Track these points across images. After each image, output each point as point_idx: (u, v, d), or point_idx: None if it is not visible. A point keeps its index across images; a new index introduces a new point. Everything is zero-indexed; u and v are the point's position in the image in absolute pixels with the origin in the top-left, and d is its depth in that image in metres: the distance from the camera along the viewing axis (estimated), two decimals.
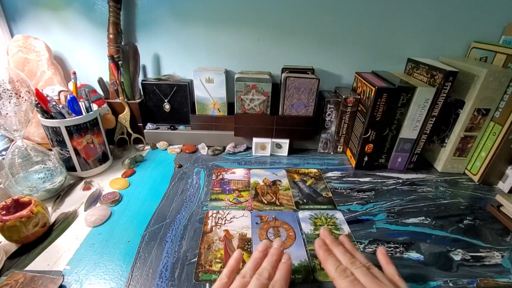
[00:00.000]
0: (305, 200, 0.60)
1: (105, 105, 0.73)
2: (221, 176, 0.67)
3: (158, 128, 0.80)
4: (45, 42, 0.73)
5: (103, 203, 0.57)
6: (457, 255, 0.47)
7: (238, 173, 0.68)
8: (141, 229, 0.51)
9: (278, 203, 0.59)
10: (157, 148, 0.79)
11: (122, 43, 0.74)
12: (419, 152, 0.70)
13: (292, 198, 0.60)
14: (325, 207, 0.58)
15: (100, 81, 0.75)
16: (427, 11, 0.72)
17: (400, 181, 0.68)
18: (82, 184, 0.62)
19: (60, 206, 0.56)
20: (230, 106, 0.78)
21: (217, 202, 0.58)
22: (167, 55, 0.79)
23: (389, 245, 0.49)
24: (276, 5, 0.72)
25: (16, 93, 0.52)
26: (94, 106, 0.66)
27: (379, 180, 0.68)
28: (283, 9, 0.73)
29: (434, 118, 0.65)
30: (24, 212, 0.45)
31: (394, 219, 0.55)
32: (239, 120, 0.75)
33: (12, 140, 0.56)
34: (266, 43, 0.77)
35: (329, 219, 0.54)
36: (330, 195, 0.62)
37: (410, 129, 0.67)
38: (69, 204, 0.57)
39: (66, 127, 0.59)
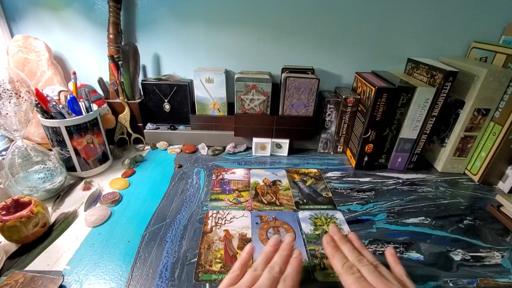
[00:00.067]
0: (305, 200, 0.60)
1: (105, 105, 0.73)
2: (221, 176, 0.67)
3: (158, 128, 0.80)
4: (45, 42, 0.73)
5: (103, 203, 0.57)
6: (457, 255, 0.47)
7: (238, 173, 0.68)
8: (141, 229, 0.51)
9: (278, 203, 0.59)
10: (157, 148, 0.79)
11: (122, 43, 0.74)
12: (419, 152, 0.70)
13: (292, 198, 0.60)
14: (325, 207, 0.58)
15: (100, 81, 0.75)
16: (427, 11, 0.72)
17: (400, 181, 0.68)
18: (82, 184, 0.62)
19: (60, 206, 0.56)
20: (230, 106, 0.78)
21: (217, 202, 0.58)
22: (167, 55, 0.79)
23: (389, 245, 0.49)
24: (276, 5, 0.72)
25: (16, 93, 0.52)
26: (94, 106, 0.66)
27: (379, 180, 0.68)
28: (283, 9, 0.73)
29: (434, 118, 0.65)
30: (24, 212, 0.45)
31: (394, 219, 0.55)
32: (239, 120, 0.75)
33: (12, 140, 0.56)
34: (266, 43, 0.77)
35: (329, 219, 0.54)
36: (330, 195, 0.62)
37: (410, 129, 0.67)
38: (69, 204, 0.57)
39: (66, 127, 0.59)
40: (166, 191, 0.61)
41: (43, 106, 0.58)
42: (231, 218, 0.54)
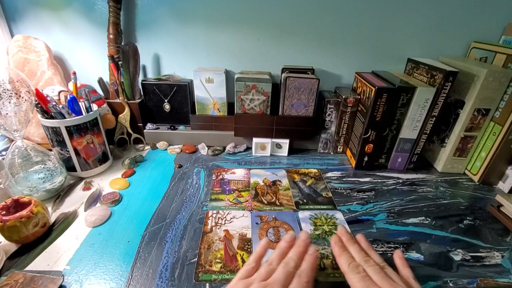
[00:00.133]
0: (305, 200, 0.60)
1: (105, 105, 0.73)
2: (221, 176, 0.67)
3: (158, 128, 0.80)
4: (45, 42, 0.73)
5: (103, 203, 0.57)
6: (457, 255, 0.47)
7: (238, 173, 0.68)
8: (141, 229, 0.51)
9: (278, 203, 0.58)
10: (157, 148, 0.79)
11: (122, 43, 0.74)
12: (419, 152, 0.70)
13: (292, 198, 0.60)
14: (325, 207, 0.58)
15: (100, 81, 0.75)
16: (427, 11, 0.72)
17: (400, 181, 0.68)
18: (82, 184, 0.62)
19: (60, 206, 0.56)
20: (230, 106, 0.78)
21: (217, 202, 0.58)
22: (167, 55, 0.79)
23: (389, 245, 0.49)
24: (276, 5, 0.72)
25: (16, 93, 0.52)
26: (94, 106, 0.66)
27: (379, 180, 0.68)
28: (283, 9, 0.73)
29: (434, 118, 0.65)
30: (24, 212, 0.45)
31: (394, 219, 0.55)
32: (239, 120, 0.75)
33: (12, 140, 0.56)
34: (266, 43, 0.77)
35: (329, 219, 0.54)
36: (330, 195, 0.62)
37: (410, 129, 0.67)
38: (69, 204, 0.57)
39: (66, 127, 0.59)
40: (166, 191, 0.61)
41: (43, 106, 0.58)
42: (231, 218, 0.54)
